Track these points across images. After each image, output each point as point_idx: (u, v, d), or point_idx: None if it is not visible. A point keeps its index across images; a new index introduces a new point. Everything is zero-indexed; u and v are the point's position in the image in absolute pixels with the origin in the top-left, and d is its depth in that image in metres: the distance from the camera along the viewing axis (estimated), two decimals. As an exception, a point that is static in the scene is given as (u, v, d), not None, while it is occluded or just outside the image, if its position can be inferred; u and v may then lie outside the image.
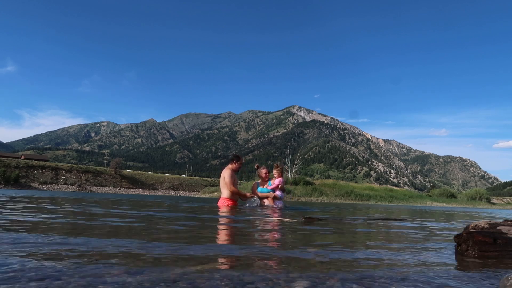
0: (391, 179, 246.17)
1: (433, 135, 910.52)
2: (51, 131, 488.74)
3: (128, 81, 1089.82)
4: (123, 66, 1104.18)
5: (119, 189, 72.00)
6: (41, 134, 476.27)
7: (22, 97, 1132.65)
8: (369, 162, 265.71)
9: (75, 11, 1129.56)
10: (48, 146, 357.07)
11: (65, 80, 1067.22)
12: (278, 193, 6.73)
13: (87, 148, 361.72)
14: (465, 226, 1.86)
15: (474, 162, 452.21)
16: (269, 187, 6.75)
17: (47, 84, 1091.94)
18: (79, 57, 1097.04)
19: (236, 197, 6.46)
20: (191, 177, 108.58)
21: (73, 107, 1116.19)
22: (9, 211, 3.74)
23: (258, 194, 6.75)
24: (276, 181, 6.73)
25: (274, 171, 6.85)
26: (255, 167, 7.03)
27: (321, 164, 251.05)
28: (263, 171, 6.86)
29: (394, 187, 69.27)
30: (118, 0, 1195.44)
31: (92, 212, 4.03)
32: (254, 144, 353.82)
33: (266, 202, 6.68)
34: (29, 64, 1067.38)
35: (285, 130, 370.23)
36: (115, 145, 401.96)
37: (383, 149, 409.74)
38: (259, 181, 6.93)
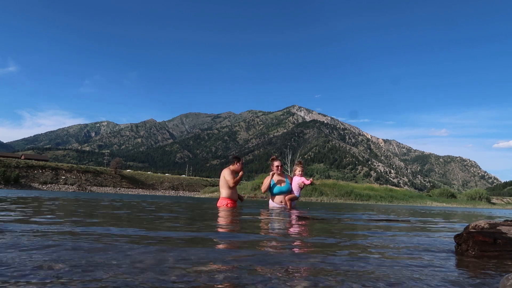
0: (391, 179, 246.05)
1: (434, 135, 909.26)
2: (51, 131, 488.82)
3: (129, 81, 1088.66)
4: (125, 66, 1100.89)
5: (119, 189, 71.95)
6: (41, 134, 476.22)
7: (23, 97, 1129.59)
8: (369, 162, 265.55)
9: (76, 11, 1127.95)
10: (48, 146, 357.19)
11: (66, 80, 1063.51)
12: (297, 193, 6.40)
13: (87, 148, 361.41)
14: (465, 226, 1.84)
15: (474, 162, 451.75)
16: (297, 183, 6.38)
17: (48, 84, 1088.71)
18: (80, 57, 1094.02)
19: (236, 197, 6.34)
20: (191, 177, 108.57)
21: (74, 107, 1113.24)
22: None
23: (274, 197, 6.35)
24: (305, 180, 6.35)
25: (299, 168, 6.49)
26: (271, 160, 6.57)
27: (321, 164, 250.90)
28: (275, 163, 6.40)
29: (394, 187, 69.17)
30: (119, 1, 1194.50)
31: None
32: (254, 144, 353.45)
33: (282, 203, 6.33)
34: (31, 64, 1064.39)
35: (285, 130, 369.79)
36: (115, 145, 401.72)
37: (383, 149, 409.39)
38: (273, 174, 6.43)
